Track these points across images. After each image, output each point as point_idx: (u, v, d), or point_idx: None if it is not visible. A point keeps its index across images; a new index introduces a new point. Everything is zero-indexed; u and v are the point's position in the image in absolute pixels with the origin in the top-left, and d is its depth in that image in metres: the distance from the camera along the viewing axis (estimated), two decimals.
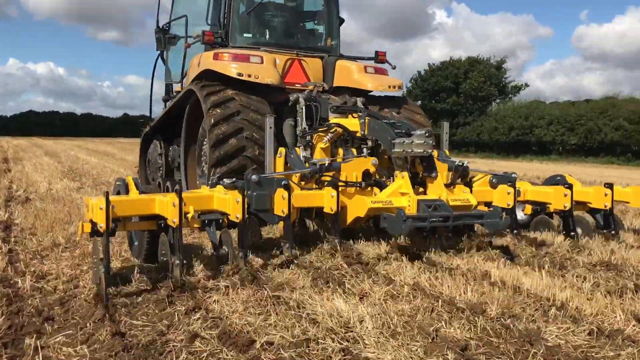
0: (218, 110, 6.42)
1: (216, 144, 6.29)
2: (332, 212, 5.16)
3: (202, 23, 8.21)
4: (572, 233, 6.05)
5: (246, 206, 4.50)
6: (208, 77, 7.10)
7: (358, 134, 6.04)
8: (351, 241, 5.41)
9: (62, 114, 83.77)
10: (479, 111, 39.15)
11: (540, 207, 6.46)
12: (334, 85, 7.78)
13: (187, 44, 7.83)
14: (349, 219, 5.36)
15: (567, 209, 6.09)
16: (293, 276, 4.33)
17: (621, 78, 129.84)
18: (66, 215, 6.58)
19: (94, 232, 4.35)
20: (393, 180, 5.73)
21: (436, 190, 5.49)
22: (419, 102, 39.76)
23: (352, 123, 6.08)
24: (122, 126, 78.34)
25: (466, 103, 39.29)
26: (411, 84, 42.54)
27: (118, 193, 4.86)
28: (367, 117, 5.93)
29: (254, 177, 5.06)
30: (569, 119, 32.50)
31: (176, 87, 9.01)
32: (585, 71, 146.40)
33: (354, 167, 5.57)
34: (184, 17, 7.90)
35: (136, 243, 5.04)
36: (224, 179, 5.31)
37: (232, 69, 6.79)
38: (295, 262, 4.73)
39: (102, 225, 3.91)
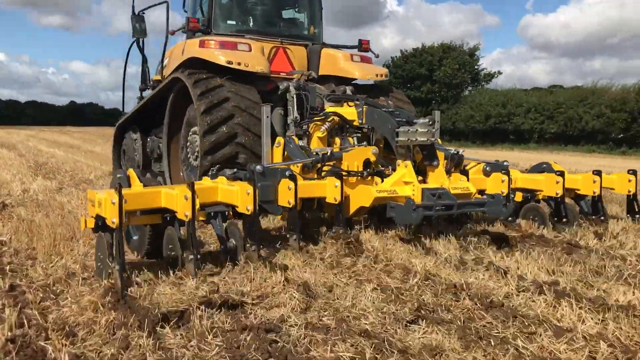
0: (208, 98, 6.23)
1: (208, 131, 6.12)
2: (336, 202, 5.10)
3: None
4: (564, 220, 6.19)
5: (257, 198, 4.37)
6: (194, 65, 6.88)
7: (355, 123, 5.98)
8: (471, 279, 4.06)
9: (5, 102, 79.26)
10: (453, 99, 37.85)
11: (530, 195, 6.55)
12: (320, 73, 7.67)
13: (172, 31, 7.58)
14: (352, 209, 5.30)
15: (559, 195, 6.21)
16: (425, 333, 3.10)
17: (565, 67, 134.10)
18: (68, 230, 5.29)
19: (99, 227, 4.18)
20: (392, 170, 5.72)
21: (437, 178, 5.49)
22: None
23: (349, 112, 6.01)
24: (70, 114, 75.28)
25: (440, 91, 37.95)
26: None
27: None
28: (364, 106, 5.86)
29: (258, 167, 4.94)
30: (547, 107, 31.34)
31: (153, 75, 8.73)
32: (531, 60, 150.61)
33: (355, 157, 5.50)
34: (165, 4, 7.63)
35: (135, 237, 4.84)
36: (225, 170, 5.18)
37: (220, 57, 6.60)
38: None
39: (114, 220, 3.73)
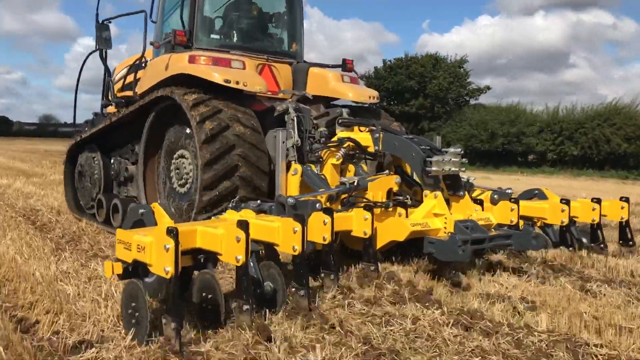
0: (208, 126, 5.67)
1: (208, 163, 5.57)
2: (366, 237, 4.74)
3: None
4: (570, 248, 6.17)
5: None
6: (180, 82, 6.28)
7: (370, 149, 5.65)
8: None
9: None
10: (446, 115, 33.69)
11: (531, 222, 6.49)
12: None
13: (157, 44, 6.90)
14: (381, 243, 4.94)
15: (564, 224, 6.18)
16: None
17: None
18: None
19: (129, 273, 3.60)
20: (411, 200, 5.45)
21: (464, 210, 5.25)
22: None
23: (363, 137, 5.67)
24: None
25: (433, 106, 33.36)
26: (363, 83, 34.19)
27: (138, 224, 4.03)
28: (381, 132, 5.55)
29: (290, 199, 4.49)
30: (567, 126, 28.05)
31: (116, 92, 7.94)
32: None
33: (379, 186, 5.17)
34: (143, 13, 6.95)
35: (150, 280, 4.22)
36: (250, 202, 4.68)
37: (214, 75, 6.04)
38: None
39: (168, 269, 3.15)
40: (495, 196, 6.11)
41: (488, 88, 35.56)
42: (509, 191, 6.28)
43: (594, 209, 6.32)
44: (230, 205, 4.73)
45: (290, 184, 5.36)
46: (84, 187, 8.22)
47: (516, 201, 5.86)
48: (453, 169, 5.02)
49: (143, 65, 7.55)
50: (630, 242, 6.49)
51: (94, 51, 7.90)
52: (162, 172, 6.68)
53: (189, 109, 5.75)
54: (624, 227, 6.58)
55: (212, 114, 5.73)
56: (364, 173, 5.59)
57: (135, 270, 3.60)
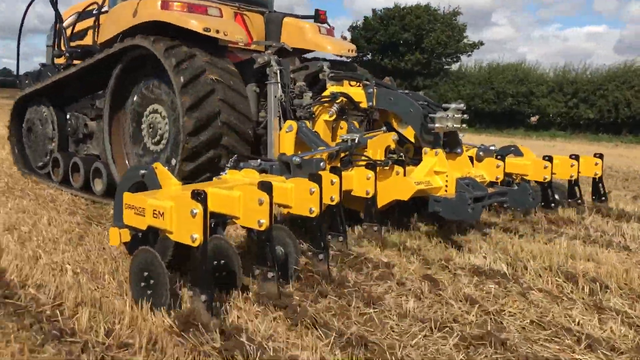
0: (186, 73, 5.23)
1: (190, 108, 5.16)
2: (369, 196, 4.56)
3: None
4: (552, 205, 6.23)
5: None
6: (150, 30, 5.75)
7: (363, 105, 5.40)
8: None
9: None
10: (443, 72, 30.71)
11: (511, 179, 6.50)
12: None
13: None
14: (382, 203, 4.76)
15: (547, 180, 6.23)
16: None
17: None
18: None
19: (139, 241, 3.27)
20: (403, 157, 5.29)
21: (461, 167, 5.14)
22: (365, 58, 30.89)
23: (356, 92, 5.41)
24: None
25: (430, 62, 30.49)
26: (350, 34, 31.04)
27: (138, 188, 3.64)
28: (375, 87, 5.31)
29: (295, 158, 4.21)
30: (583, 88, 25.58)
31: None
32: None
33: (378, 144, 4.96)
34: None
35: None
36: (250, 161, 4.37)
37: (192, 22, 5.56)
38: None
39: (196, 236, 2.84)
40: (481, 153, 6.05)
41: (481, 43, 32.71)
42: (493, 148, 6.24)
43: (572, 165, 6.41)
44: (229, 165, 4.39)
45: (284, 141, 5.04)
46: (34, 144, 7.55)
47: (502, 158, 5.83)
48: (455, 125, 4.87)
49: (94, 12, 6.91)
50: (603, 198, 6.66)
51: None
52: (130, 128, 6.19)
53: (162, 53, 5.28)
54: (597, 183, 6.74)
55: (187, 58, 5.31)
56: (357, 130, 5.36)
57: (146, 237, 3.26)
